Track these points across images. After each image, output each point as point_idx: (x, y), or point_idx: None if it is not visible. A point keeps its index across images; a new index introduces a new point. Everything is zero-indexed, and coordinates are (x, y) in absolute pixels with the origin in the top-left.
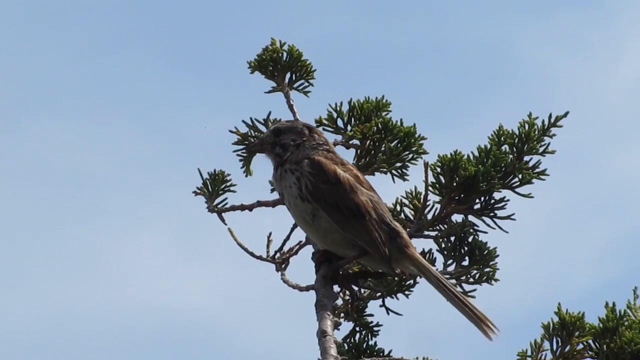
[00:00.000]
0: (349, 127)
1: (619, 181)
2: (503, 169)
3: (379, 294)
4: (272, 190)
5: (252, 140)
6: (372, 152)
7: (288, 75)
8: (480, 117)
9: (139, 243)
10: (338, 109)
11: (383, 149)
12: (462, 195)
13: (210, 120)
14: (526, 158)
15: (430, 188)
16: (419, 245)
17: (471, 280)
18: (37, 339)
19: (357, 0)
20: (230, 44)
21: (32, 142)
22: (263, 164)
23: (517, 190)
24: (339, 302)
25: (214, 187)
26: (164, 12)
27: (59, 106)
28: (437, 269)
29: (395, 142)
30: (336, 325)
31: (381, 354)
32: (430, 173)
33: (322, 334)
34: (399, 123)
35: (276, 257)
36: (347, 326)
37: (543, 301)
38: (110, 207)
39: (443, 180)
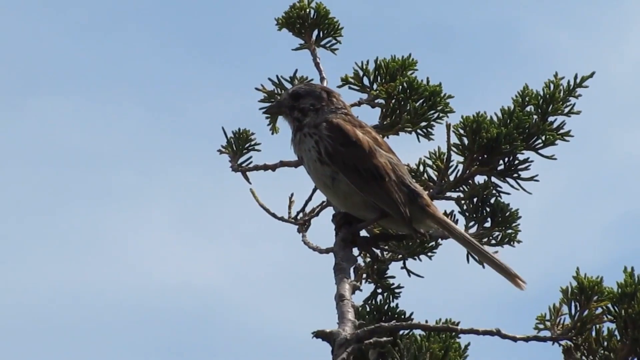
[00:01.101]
0: (374, 86)
1: (625, 160)
2: (527, 130)
3: (400, 255)
4: None
5: (279, 98)
6: (397, 111)
7: (315, 32)
8: (485, 97)
9: (146, 221)
10: (364, 67)
11: (408, 108)
12: (485, 157)
13: (217, 97)
14: (551, 119)
15: (453, 149)
16: (441, 207)
17: (493, 242)
18: (45, 316)
19: None
20: (236, 23)
21: (38, 121)
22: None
23: (540, 151)
24: (361, 264)
25: (239, 145)
26: None
27: (65, 85)
28: None
29: (421, 101)
30: (355, 289)
31: (402, 317)
32: (453, 134)
33: (339, 298)
34: (424, 82)
35: (298, 218)
36: (368, 288)
37: (552, 275)
38: (117, 185)
39: (466, 142)
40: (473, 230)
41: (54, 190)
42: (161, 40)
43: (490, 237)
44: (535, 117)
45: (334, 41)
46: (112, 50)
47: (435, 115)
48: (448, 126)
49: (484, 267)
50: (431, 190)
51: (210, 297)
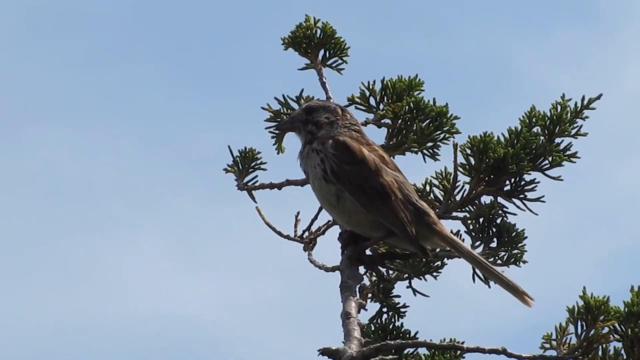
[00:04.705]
0: (381, 106)
1: (620, 195)
2: (533, 151)
3: (405, 275)
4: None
5: (284, 117)
6: (404, 131)
7: (322, 52)
8: (484, 126)
9: (139, 252)
10: (371, 87)
11: (414, 128)
12: (491, 177)
13: (214, 130)
14: (557, 140)
15: (460, 169)
16: (447, 226)
17: (499, 262)
18: (38, 346)
19: (362, 15)
20: (233, 58)
21: (33, 152)
22: (294, 142)
23: (547, 172)
24: (366, 282)
25: (244, 164)
26: (168, 24)
27: (62, 116)
28: None
29: (427, 121)
30: (361, 307)
31: (407, 336)
32: (460, 154)
33: (346, 316)
34: (431, 102)
35: (304, 236)
36: (374, 307)
37: (555, 297)
38: (112, 216)
39: (473, 162)
40: (479, 250)
41: (48, 221)
42: (159, 73)
43: (497, 257)
44: (542, 138)
45: (340, 61)
46: (108, 81)
47: (442, 135)
48: (455, 146)
49: (489, 286)
50: (437, 210)
51: (203, 327)
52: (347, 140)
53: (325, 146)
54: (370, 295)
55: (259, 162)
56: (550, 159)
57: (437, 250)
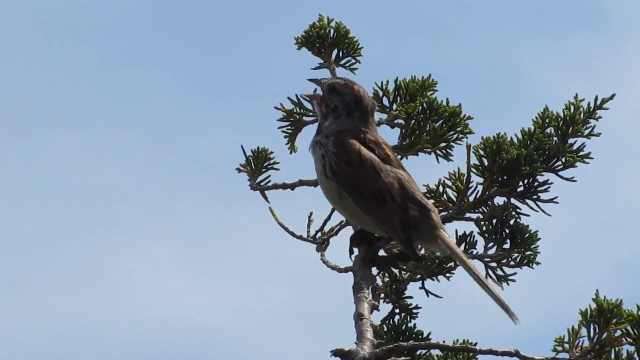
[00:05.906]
0: (394, 106)
1: (629, 204)
2: (547, 152)
3: (418, 276)
4: None
5: (297, 117)
6: (417, 131)
7: (335, 52)
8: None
9: (150, 257)
10: (384, 87)
11: (427, 128)
12: (504, 178)
13: (225, 132)
14: (570, 141)
15: (473, 170)
16: (460, 227)
17: (512, 263)
18: (47, 352)
19: (371, 21)
20: (243, 61)
21: (45, 156)
22: (307, 143)
23: (560, 173)
24: (379, 283)
25: (257, 164)
26: (178, 27)
27: (71, 120)
28: (477, 252)
29: (440, 122)
30: (373, 308)
31: (420, 337)
32: (473, 155)
33: (358, 317)
34: (444, 103)
35: (316, 237)
36: (386, 308)
37: (552, 318)
38: (121, 221)
39: (486, 163)
40: (492, 251)
41: (57, 224)
42: (170, 77)
43: (509, 259)
44: (555, 138)
45: (353, 61)
46: (119, 85)
47: (455, 136)
48: (468, 147)
49: (502, 288)
50: (450, 212)
51: (213, 333)
52: (347, 140)
53: (327, 141)
54: (382, 296)
55: (271, 162)
56: (563, 159)
57: (437, 253)
